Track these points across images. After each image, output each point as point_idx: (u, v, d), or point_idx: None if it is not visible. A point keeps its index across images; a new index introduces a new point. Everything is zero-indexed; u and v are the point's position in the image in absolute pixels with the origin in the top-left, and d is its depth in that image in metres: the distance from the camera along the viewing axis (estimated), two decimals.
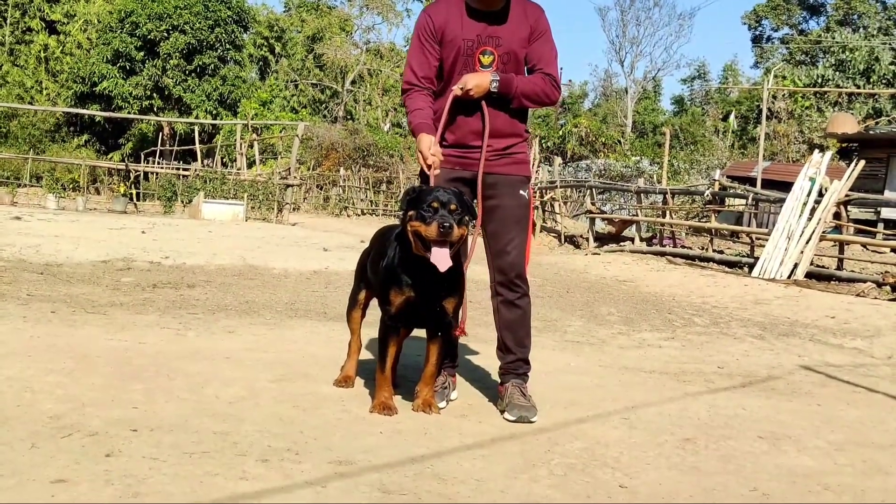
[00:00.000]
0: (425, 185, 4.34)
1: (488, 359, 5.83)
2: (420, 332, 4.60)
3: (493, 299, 4.71)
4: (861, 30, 54.41)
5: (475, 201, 4.53)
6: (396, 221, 4.43)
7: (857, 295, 11.44)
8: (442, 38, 4.55)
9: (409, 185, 32.56)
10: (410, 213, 4.10)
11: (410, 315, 4.35)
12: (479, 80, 4.46)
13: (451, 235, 4.00)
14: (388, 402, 4.33)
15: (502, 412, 4.49)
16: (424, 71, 4.62)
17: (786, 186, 16.06)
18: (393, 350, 4.42)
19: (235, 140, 33.19)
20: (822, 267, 14.19)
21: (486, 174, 4.57)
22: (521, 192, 4.65)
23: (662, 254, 16.83)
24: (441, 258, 4.01)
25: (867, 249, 17.39)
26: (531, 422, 4.37)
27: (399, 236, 4.31)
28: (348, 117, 56.32)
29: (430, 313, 4.33)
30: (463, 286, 4.41)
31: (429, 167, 4.39)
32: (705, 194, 18.97)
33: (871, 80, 44.15)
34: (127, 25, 43.44)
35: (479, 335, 6.87)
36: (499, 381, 4.74)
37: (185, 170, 30.73)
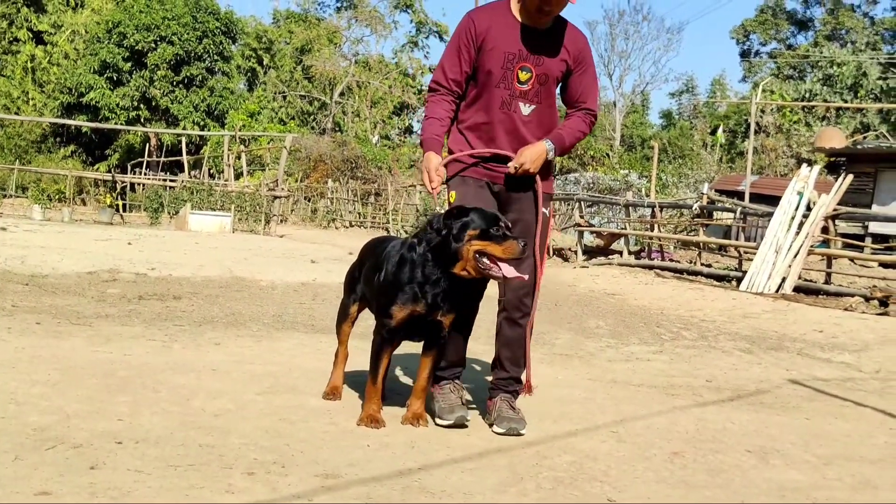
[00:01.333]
0: (463, 206, 4.33)
1: (477, 373, 5.82)
2: (411, 349, 4.58)
3: (498, 315, 4.69)
4: (849, 45, 54.84)
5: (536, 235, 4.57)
6: (384, 233, 4.42)
7: (845, 309, 11.46)
8: (482, 45, 4.50)
9: (396, 197, 32.66)
10: (472, 232, 4.12)
11: (410, 329, 4.34)
12: (535, 157, 4.45)
13: (525, 252, 4.19)
14: (375, 414, 4.31)
15: (490, 425, 4.47)
16: (455, 74, 4.60)
17: (774, 200, 16.09)
18: (386, 363, 4.41)
19: (223, 151, 33.16)
20: (810, 281, 14.22)
21: (511, 188, 4.58)
22: (543, 209, 4.63)
23: (651, 267, 16.84)
24: (512, 271, 4.17)
25: (855, 263, 17.44)
26: (521, 434, 4.35)
27: (423, 253, 4.26)
28: (336, 129, 56.30)
29: (430, 327, 4.32)
30: (471, 307, 4.44)
31: (432, 188, 4.41)
32: (693, 208, 19.00)
33: (859, 94, 44.42)
34: (114, 36, 43.38)
35: (467, 349, 6.84)
36: (487, 395, 4.72)
37: (171, 181, 30.71)
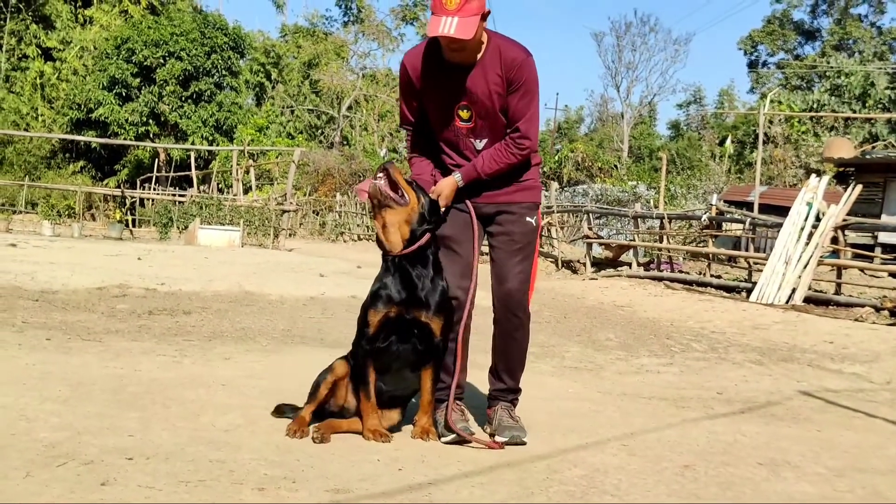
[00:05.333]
0: None
1: (484, 385, 5.80)
2: None
3: (494, 325, 4.68)
4: (856, 55, 54.71)
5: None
6: None
7: (856, 320, 11.42)
8: (421, 91, 4.51)
9: None
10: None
11: (392, 334, 4.32)
12: (448, 192, 4.49)
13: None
14: (379, 428, 4.30)
15: (492, 435, 4.47)
16: (413, 116, 4.66)
17: (783, 211, 16.06)
18: (373, 376, 4.37)
19: (231, 166, 33.20)
20: (820, 292, 14.18)
21: (489, 203, 4.58)
22: (528, 218, 4.61)
23: (660, 279, 16.81)
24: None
25: (865, 274, 17.38)
26: (523, 442, 4.37)
27: (382, 258, 4.45)
28: (344, 143, 56.36)
29: (417, 331, 4.31)
30: (449, 306, 4.40)
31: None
32: (702, 219, 18.96)
33: (867, 104, 44.30)
34: (123, 52, 43.43)
35: (475, 361, 6.84)
36: (487, 405, 4.73)
37: (181, 196, 30.72)
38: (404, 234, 4.25)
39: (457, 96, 4.43)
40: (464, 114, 4.46)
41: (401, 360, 4.40)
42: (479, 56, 4.37)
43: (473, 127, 4.49)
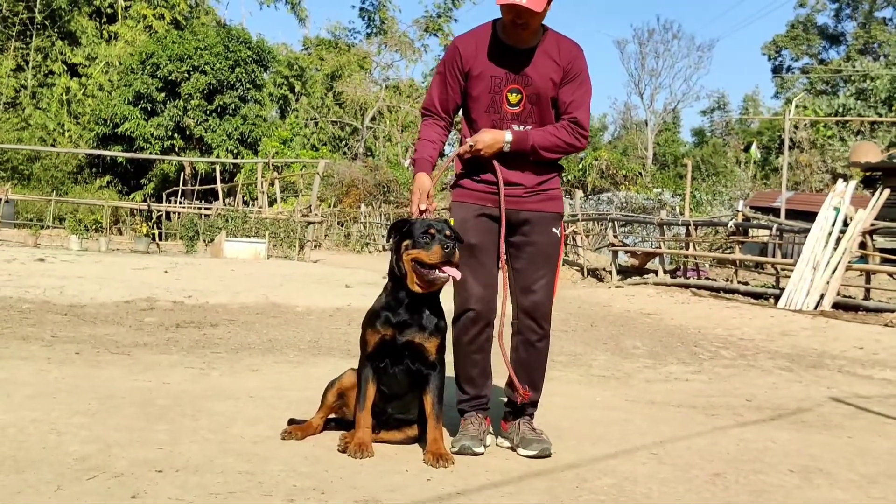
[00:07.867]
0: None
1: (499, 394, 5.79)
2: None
3: (514, 337, 4.64)
4: (882, 58, 54.44)
5: (501, 238, 4.49)
6: None
7: (886, 325, 11.32)
8: (469, 72, 4.46)
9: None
10: (406, 243, 4.19)
11: (387, 354, 4.30)
12: (491, 140, 4.40)
13: (454, 256, 4.10)
14: (364, 440, 4.19)
15: (514, 449, 4.45)
16: (443, 103, 4.60)
17: (810, 216, 15.98)
18: (372, 391, 4.31)
19: (256, 178, 33.33)
20: (849, 297, 14.07)
21: (518, 211, 4.51)
22: (553, 229, 4.58)
23: (686, 286, 16.73)
24: (455, 272, 4.12)
25: (894, 279, 17.24)
26: (551, 454, 4.33)
27: (390, 278, 4.37)
28: (368, 154, 56.48)
29: (411, 352, 4.27)
30: (444, 325, 4.36)
31: (420, 211, 4.40)
32: (729, 225, 18.87)
33: (894, 108, 44.04)
34: (148, 67, 43.74)
35: (503, 371, 6.82)
36: (503, 417, 4.71)
37: (206, 209, 30.85)
38: None
39: (510, 77, 4.41)
40: (513, 98, 4.43)
41: (402, 381, 4.35)
42: (538, 41, 4.40)
43: (521, 112, 4.44)
